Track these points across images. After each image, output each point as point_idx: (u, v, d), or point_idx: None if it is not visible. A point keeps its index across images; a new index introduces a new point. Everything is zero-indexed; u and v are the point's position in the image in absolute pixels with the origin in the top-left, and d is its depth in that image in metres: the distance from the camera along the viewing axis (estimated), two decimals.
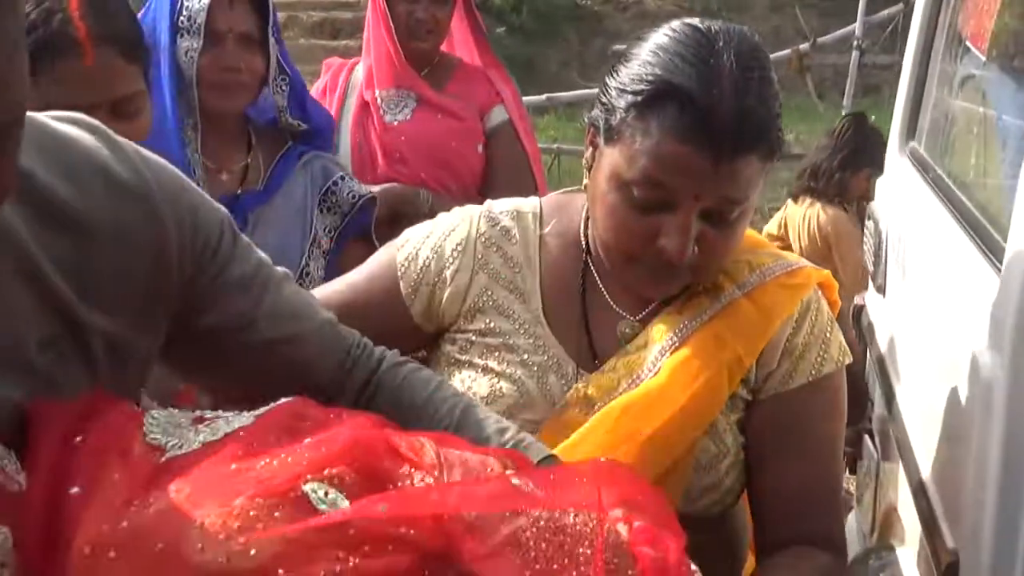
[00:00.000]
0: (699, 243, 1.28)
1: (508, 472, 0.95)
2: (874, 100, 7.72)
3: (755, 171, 1.26)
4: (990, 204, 1.61)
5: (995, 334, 1.29)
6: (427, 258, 1.41)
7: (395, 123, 2.87)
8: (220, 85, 2.17)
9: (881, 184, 2.42)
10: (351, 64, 2.99)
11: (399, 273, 1.41)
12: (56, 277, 0.94)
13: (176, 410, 0.98)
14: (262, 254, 1.12)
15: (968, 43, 2.05)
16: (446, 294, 1.39)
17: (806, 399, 1.35)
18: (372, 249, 2.37)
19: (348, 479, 0.86)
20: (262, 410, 0.96)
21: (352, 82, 2.95)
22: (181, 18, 2.12)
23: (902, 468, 1.67)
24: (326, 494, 0.85)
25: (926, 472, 1.55)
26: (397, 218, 2.46)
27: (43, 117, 0.99)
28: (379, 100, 2.88)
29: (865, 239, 2.37)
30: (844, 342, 1.39)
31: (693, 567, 0.94)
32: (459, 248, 1.40)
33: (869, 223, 2.32)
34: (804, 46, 6.21)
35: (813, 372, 1.35)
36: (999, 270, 1.34)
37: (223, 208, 1.09)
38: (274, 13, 2.24)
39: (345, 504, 0.85)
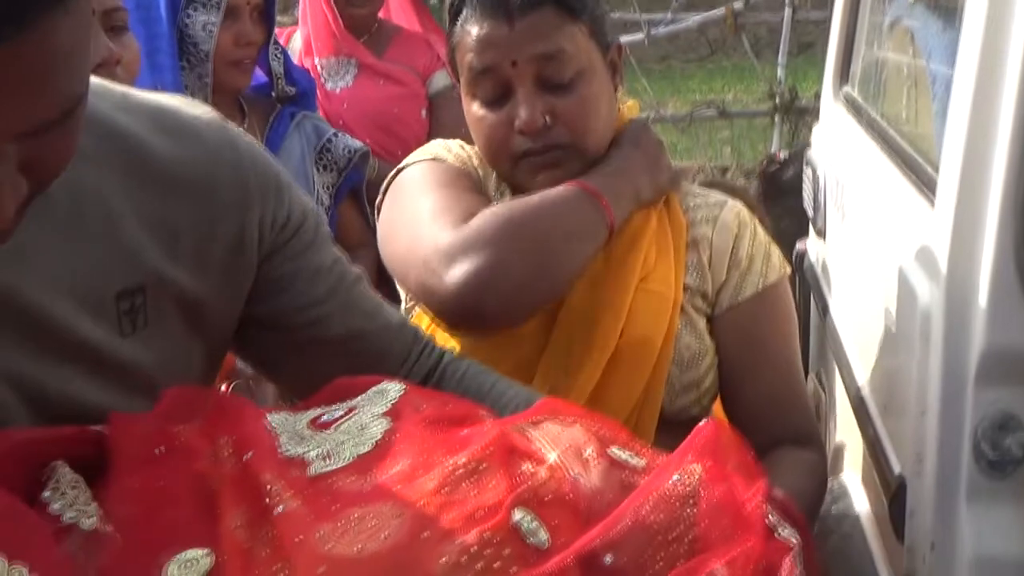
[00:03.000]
0: (553, 115, 1.37)
1: (612, 450, 0.92)
2: (808, 57, 7.79)
3: (556, 26, 1.37)
4: (922, 140, 1.65)
5: (931, 265, 1.33)
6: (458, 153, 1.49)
7: (337, 90, 2.88)
8: (237, 62, 2.18)
9: (817, 131, 2.46)
10: (288, 33, 2.99)
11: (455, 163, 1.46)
12: (140, 229, 0.94)
13: (283, 412, 0.93)
14: (339, 253, 1.13)
15: None
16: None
17: (758, 308, 1.45)
18: (361, 208, 2.37)
19: (532, 501, 0.82)
20: (386, 406, 0.92)
21: (291, 50, 2.95)
22: None
23: (848, 403, 1.72)
24: (531, 521, 0.81)
25: (871, 405, 1.59)
26: None
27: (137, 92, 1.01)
28: (320, 68, 2.88)
29: (804, 186, 2.41)
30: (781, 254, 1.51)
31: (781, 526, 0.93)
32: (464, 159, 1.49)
33: (807, 169, 2.36)
34: (738, 5, 6.23)
35: (761, 282, 1.45)
36: (933, 203, 1.38)
37: (311, 200, 1.11)
38: None
39: (543, 533, 0.81)
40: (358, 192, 2.34)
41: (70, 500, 0.80)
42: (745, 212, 1.48)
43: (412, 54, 2.95)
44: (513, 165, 1.40)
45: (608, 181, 1.37)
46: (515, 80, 1.37)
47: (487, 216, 1.32)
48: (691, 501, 0.87)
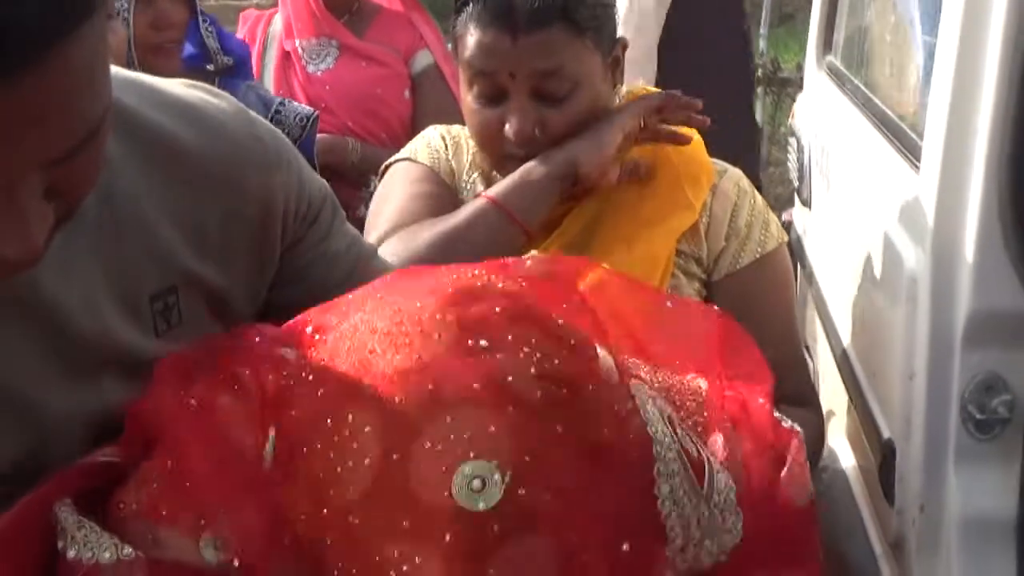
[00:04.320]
0: (543, 127, 1.40)
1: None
2: (789, 28, 7.79)
3: (560, 43, 1.38)
4: (906, 107, 1.66)
5: (916, 229, 1.34)
6: (438, 145, 1.55)
7: (318, 73, 2.85)
8: (158, 47, 2.13)
9: (801, 100, 2.47)
10: (268, 15, 2.96)
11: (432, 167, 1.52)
12: (171, 228, 0.94)
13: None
14: (354, 229, 1.13)
15: None
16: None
17: (757, 276, 1.48)
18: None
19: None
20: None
21: (271, 33, 2.93)
22: None
23: (836, 370, 1.73)
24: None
25: (859, 371, 1.61)
26: (324, 169, 2.45)
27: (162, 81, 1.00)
28: (300, 50, 2.85)
29: (789, 155, 2.42)
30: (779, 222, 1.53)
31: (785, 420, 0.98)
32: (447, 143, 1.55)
33: (792, 139, 2.37)
34: None
35: (759, 250, 1.47)
36: (917, 169, 1.39)
37: (325, 182, 1.10)
38: None
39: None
40: (311, 160, 2.32)
41: (81, 542, 0.81)
42: (744, 180, 1.50)
43: (394, 34, 2.93)
44: (497, 159, 1.45)
45: (514, 188, 1.40)
46: (511, 89, 1.39)
47: (412, 231, 1.40)
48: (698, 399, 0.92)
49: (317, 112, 2.38)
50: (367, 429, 0.77)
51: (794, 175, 2.35)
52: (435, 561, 0.74)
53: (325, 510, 0.78)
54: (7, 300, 0.84)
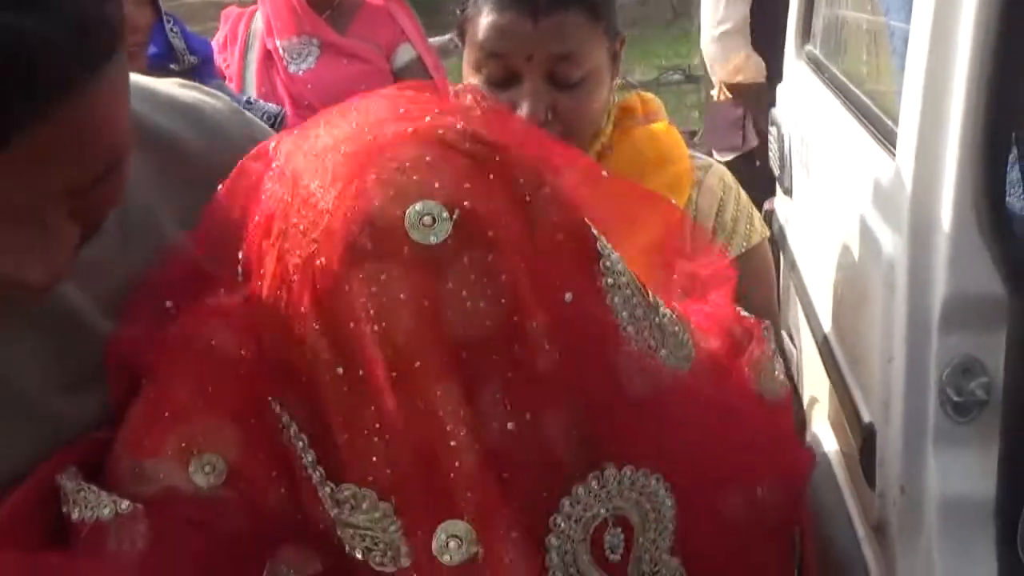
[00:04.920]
0: (555, 111, 1.39)
1: None
2: None
3: (578, 27, 1.38)
4: (882, 95, 1.67)
5: (893, 215, 1.35)
6: None
7: (300, 72, 2.86)
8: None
9: (781, 89, 2.48)
10: (249, 12, 2.96)
11: None
12: (172, 226, 0.94)
13: None
14: None
15: None
16: None
17: (743, 269, 1.49)
18: None
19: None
20: None
21: (252, 31, 2.93)
22: None
23: (818, 356, 1.74)
24: None
25: (839, 356, 1.62)
26: None
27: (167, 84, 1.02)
28: (282, 50, 2.86)
29: (770, 145, 2.43)
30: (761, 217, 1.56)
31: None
32: None
33: (772, 129, 2.38)
34: None
35: (744, 244, 1.50)
36: (893, 155, 1.40)
37: None
38: None
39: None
40: None
41: (81, 503, 0.83)
42: (728, 176, 1.51)
43: (375, 29, 2.93)
44: None
45: None
46: (525, 72, 1.37)
47: None
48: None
49: (285, 110, 2.40)
50: (318, 181, 0.82)
51: (775, 164, 2.36)
52: (396, 270, 0.78)
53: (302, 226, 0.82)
54: (25, 306, 0.85)
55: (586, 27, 1.38)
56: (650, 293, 0.93)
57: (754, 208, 1.53)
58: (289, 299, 0.81)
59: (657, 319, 0.92)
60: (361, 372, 0.80)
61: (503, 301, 0.80)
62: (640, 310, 0.90)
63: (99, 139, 0.74)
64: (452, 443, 0.79)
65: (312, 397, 0.82)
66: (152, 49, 2.33)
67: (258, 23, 2.94)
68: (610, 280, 0.88)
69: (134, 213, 0.92)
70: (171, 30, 2.27)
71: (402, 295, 0.78)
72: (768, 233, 1.55)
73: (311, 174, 0.83)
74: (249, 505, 0.84)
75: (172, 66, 2.33)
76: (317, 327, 0.80)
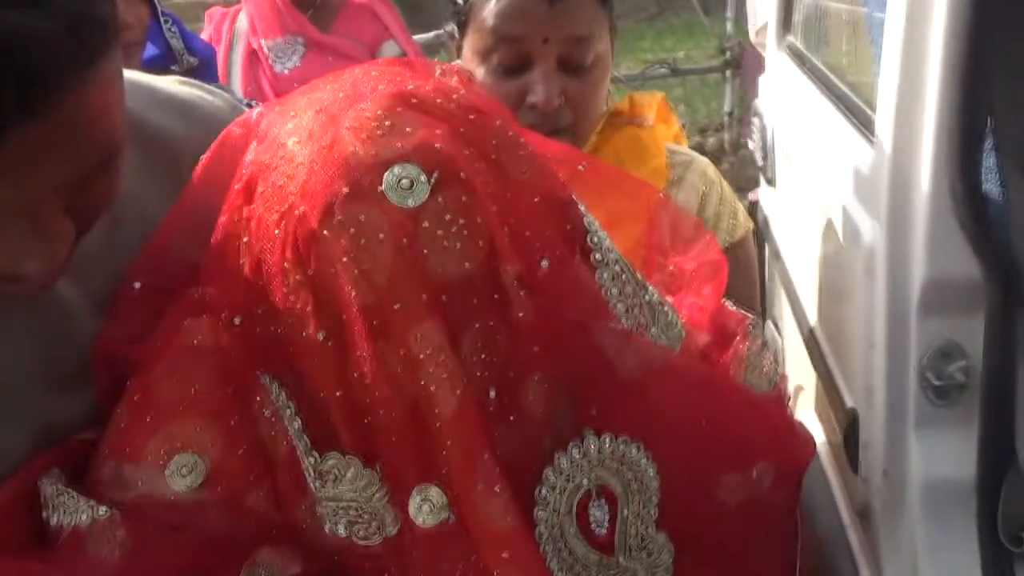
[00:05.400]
0: (566, 97, 1.38)
1: None
2: None
3: (591, 11, 1.38)
4: (861, 83, 1.68)
5: (872, 202, 1.36)
6: None
7: (286, 71, 2.86)
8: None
9: (763, 80, 2.49)
10: (233, 12, 2.97)
11: None
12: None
13: None
14: None
15: None
16: None
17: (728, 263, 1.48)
18: None
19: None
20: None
21: (237, 30, 2.93)
22: None
23: (802, 343, 1.75)
24: None
25: (823, 343, 1.63)
26: None
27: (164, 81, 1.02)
28: (267, 50, 2.86)
29: (753, 136, 2.44)
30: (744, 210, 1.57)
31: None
32: None
33: (755, 119, 2.39)
34: None
35: (728, 238, 1.52)
36: (872, 142, 1.41)
37: None
38: None
39: None
40: None
41: (60, 508, 0.83)
42: (711, 170, 1.52)
43: (359, 26, 2.94)
44: None
45: None
46: (538, 56, 1.37)
47: None
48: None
49: None
50: (295, 138, 0.84)
51: (758, 155, 2.37)
52: (373, 205, 0.78)
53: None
54: (16, 300, 0.85)
55: (598, 10, 1.39)
56: (638, 273, 0.94)
57: (738, 202, 1.54)
58: (272, 259, 0.81)
59: (647, 296, 0.92)
60: (344, 317, 0.79)
61: (480, 244, 0.80)
62: (630, 287, 0.91)
63: (93, 136, 0.75)
64: (432, 387, 0.79)
65: (299, 366, 0.82)
66: (152, 50, 2.32)
67: (242, 23, 2.94)
68: (598, 256, 0.88)
69: (126, 208, 0.92)
70: (169, 30, 2.26)
71: (380, 235, 0.78)
72: (752, 226, 1.56)
73: (288, 134, 0.84)
74: (228, 507, 0.84)
75: (173, 67, 2.32)
76: (299, 278, 0.80)
